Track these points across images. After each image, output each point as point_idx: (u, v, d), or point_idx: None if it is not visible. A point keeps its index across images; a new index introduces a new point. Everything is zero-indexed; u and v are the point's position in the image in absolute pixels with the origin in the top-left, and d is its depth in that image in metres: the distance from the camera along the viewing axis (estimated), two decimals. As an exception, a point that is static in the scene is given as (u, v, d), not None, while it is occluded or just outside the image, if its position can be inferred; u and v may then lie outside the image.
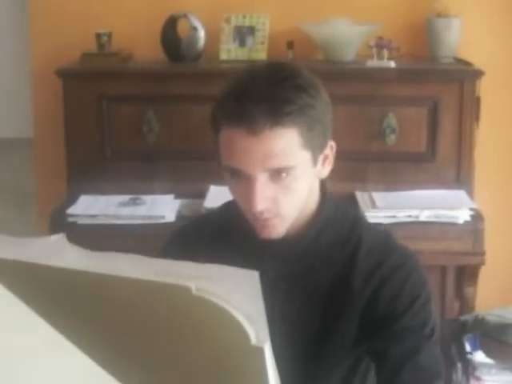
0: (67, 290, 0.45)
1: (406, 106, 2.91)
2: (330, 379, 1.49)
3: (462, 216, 2.69)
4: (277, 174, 1.35)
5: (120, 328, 0.47)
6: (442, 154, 2.91)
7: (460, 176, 2.91)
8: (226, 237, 1.51)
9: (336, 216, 1.51)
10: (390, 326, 1.41)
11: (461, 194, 2.84)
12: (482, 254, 2.70)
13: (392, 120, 2.89)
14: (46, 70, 3.14)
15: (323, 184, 1.51)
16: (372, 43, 2.98)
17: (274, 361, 0.53)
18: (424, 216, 2.68)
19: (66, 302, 0.47)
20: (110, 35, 3.12)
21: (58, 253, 0.53)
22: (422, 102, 2.91)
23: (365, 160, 2.93)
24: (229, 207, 1.56)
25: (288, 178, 1.36)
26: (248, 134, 1.32)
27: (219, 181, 2.78)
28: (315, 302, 1.47)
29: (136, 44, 3.22)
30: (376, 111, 2.91)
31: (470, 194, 2.88)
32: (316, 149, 1.40)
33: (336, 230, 1.49)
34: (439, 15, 3.09)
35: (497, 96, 3.15)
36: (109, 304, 0.48)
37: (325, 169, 1.46)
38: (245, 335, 0.51)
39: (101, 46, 3.11)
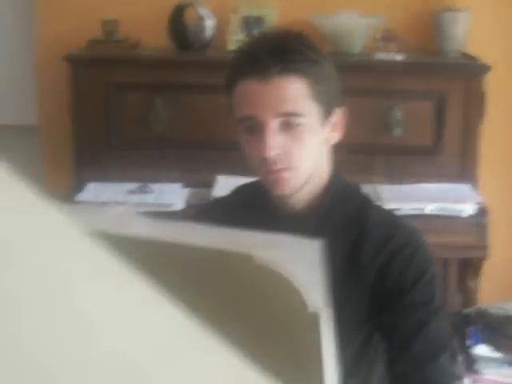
0: (135, 258, 0.46)
1: (413, 99, 2.92)
2: (343, 354, 1.52)
3: (467, 209, 2.70)
4: (287, 121, 1.44)
5: (182, 295, 0.48)
6: (448, 148, 2.92)
7: (465, 170, 2.92)
8: (238, 215, 1.55)
9: (346, 192, 1.58)
10: (399, 300, 1.47)
11: (466, 188, 2.85)
12: (486, 247, 2.72)
13: (398, 113, 2.90)
14: (51, 57, 3.14)
15: (332, 158, 1.57)
16: (379, 36, 2.99)
17: (331, 329, 0.55)
18: (429, 209, 2.70)
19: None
20: (116, 22, 3.12)
21: (124, 223, 0.55)
22: (429, 95, 2.91)
23: (370, 153, 2.94)
24: (240, 189, 1.64)
25: (298, 127, 1.45)
26: (259, 82, 1.43)
27: (226, 170, 2.82)
28: (326, 277, 1.50)
29: (143, 32, 3.22)
30: (382, 104, 2.91)
31: (475, 187, 2.90)
32: (325, 105, 1.48)
33: (346, 205, 1.56)
34: (447, 8, 3.10)
35: (503, 90, 3.16)
36: (167, 270, 0.49)
37: (334, 135, 1.55)
38: (303, 302, 0.53)
39: (107, 33, 3.11)
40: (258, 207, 1.57)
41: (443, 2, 3.13)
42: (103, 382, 0.37)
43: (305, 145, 1.47)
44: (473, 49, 3.10)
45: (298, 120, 1.45)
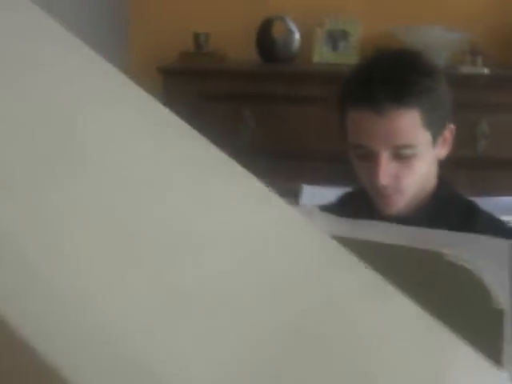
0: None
1: (499, 112, 2.94)
2: None
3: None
4: (399, 152, 1.48)
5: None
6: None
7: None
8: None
9: (451, 199, 1.60)
10: None
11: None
12: None
13: (484, 126, 2.93)
14: (144, 68, 3.26)
15: (440, 169, 1.61)
16: (467, 49, 3.02)
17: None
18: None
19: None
20: (207, 35, 3.22)
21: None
22: (513, 109, 2.94)
23: (455, 166, 2.95)
24: (346, 195, 1.68)
25: (409, 156, 1.49)
26: (374, 115, 1.47)
27: (312, 180, 2.88)
28: None
29: (231, 45, 3.31)
30: (468, 117, 2.94)
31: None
32: (436, 130, 1.52)
33: (451, 212, 1.58)
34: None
35: None
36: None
37: (443, 150, 1.58)
38: (490, 299, 0.58)
39: (198, 45, 3.22)
40: (363, 213, 1.61)
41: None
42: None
43: (415, 171, 1.51)
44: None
45: (410, 151, 1.49)
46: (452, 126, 1.58)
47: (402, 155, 1.49)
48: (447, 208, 1.58)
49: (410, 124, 1.47)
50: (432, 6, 3.24)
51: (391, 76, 1.47)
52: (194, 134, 0.55)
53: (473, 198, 2.82)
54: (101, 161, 0.46)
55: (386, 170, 1.48)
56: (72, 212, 0.41)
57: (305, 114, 3.01)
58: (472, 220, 1.57)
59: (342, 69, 3.17)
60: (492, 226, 1.57)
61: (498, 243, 0.61)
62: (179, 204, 0.47)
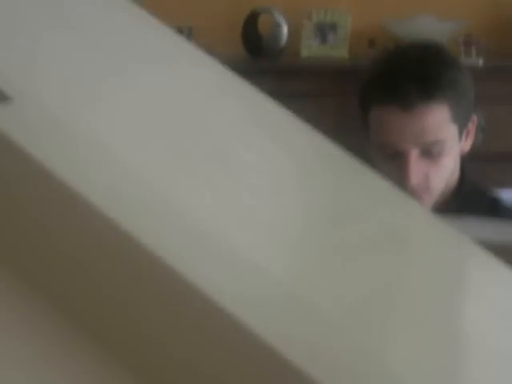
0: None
1: (495, 104, 2.87)
2: None
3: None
4: (428, 148, 1.41)
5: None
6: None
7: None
8: None
9: (475, 194, 1.55)
10: None
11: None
12: None
13: (480, 119, 2.84)
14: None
15: (463, 162, 1.54)
16: (460, 40, 2.95)
17: None
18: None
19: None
20: (191, 29, 3.13)
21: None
22: (510, 100, 2.87)
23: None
24: None
25: (438, 152, 1.41)
26: (401, 111, 1.39)
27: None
28: None
29: (217, 39, 3.21)
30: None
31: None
32: (462, 123, 1.45)
33: (476, 207, 1.50)
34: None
35: None
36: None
37: (467, 143, 1.51)
38: None
39: (182, 40, 3.12)
40: None
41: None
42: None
43: (444, 167, 1.45)
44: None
45: (439, 147, 1.42)
46: (475, 118, 1.53)
47: (430, 152, 1.42)
48: (471, 204, 1.52)
49: (438, 119, 1.41)
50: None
51: (417, 70, 1.41)
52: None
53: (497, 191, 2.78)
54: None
55: (416, 168, 1.41)
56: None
57: (294, 108, 2.91)
58: (497, 216, 1.51)
59: (332, 62, 3.11)
60: None
61: None
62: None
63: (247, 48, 3.12)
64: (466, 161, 1.54)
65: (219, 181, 0.49)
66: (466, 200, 1.51)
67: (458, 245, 0.55)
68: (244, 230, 0.46)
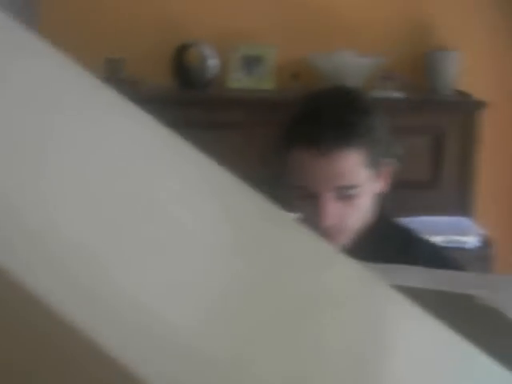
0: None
1: (412, 135, 2.99)
2: None
3: (471, 242, 2.77)
4: (343, 192, 1.47)
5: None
6: (446, 182, 3.00)
7: (462, 203, 2.99)
8: None
9: (390, 232, 1.60)
10: None
11: (465, 221, 2.92)
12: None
13: (399, 149, 2.96)
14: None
15: (377, 200, 1.59)
16: (380, 74, 3.07)
17: None
18: (437, 241, 2.75)
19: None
20: (121, 61, 3.18)
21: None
22: (427, 131, 3.00)
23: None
24: None
25: (353, 195, 1.47)
26: (319, 156, 1.44)
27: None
28: None
29: (147, 70, 3.28)
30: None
31: (474, 220, 2.97)
32: (377, 166, 1.51)
33: (390, 245, 1.56)
34: (439, 48, 3.19)
35: (496, 125, 3.25)
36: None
37: (382, 184, 1.57)
38: None
39: (112, 71, 3.17)
40: None
41: (436, 42, 3.23)
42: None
43: (359, 209, 1.50)
44: (464, 86, 3.20)
45: (353, 190, 1.47)
46: (391, 161, 1.58)
47: (346, 195, 1.48)
48: (387, 239, 1.57)
49: (354, 164, 1.46)
50: (345, 33, 3.29)
51: (335, 117, 1.46)
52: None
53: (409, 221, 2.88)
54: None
55: (332, 211, 1.46)
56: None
57: (221, 139, 3.00)
58: (412, 249, 1.56)
59: (258, 94, 3.21)
60: (432, 255, 1.57)
61: None
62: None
63: (177, 79, 3.20)
64: (382, 198, 1.59)
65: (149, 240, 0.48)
66: (381, 236, 1.57)
67: (380, 297, 0.56)
68: (164, 291, 0.45)
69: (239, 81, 3.26)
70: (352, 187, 1.47)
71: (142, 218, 0.49)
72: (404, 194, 3.00)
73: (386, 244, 1.55)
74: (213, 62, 3.19)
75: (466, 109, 3.04)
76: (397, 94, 3.05)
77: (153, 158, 0.55)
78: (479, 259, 2.78)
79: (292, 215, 1.46)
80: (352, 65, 3.15)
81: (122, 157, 0.53)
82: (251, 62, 3.27)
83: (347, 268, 0.58)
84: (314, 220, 1.46)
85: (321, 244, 0.62)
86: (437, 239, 2.76)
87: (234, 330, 0.45)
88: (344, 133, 1.45)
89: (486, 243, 2.82)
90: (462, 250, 2.78)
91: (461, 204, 3.00)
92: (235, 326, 0.46)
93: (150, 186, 0.52)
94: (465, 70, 3.21)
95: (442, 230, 2.82)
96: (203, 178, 0.56)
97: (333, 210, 1.46)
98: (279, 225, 0.59)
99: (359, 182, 1.47)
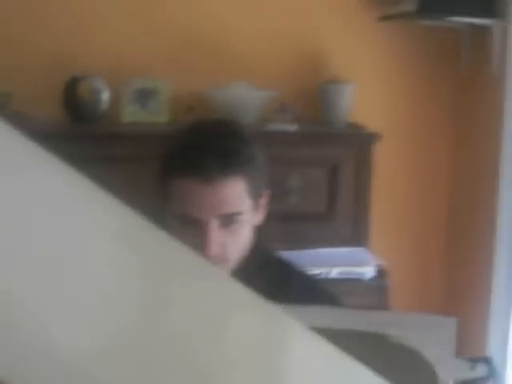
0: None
1: (308, 167, 3.02)
2: None
3: (368, 272, 2.80)
4: (227, 220, 1.49)
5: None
6: (341, 213, 3.03)
7: (358, 234, 3.03)
8: None
9: (266, 261, 1.61)
10: None
11: (361, 251, 2.96)
12: (388, 308, 2.82)
13: (294, 181, 2.99)
14: None
15: (255, 231, 1.62)
16: (275, 107, 3.09)
17: None
18: (335, 273, 2.78)
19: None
20: (9, 95, 3.10)
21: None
22: (322, 164, 3.03)
23: (267, 220, 3.00)
24: None
25: (236, 223, 1.50)
26: (203, 183, 1.46)
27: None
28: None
29: (37, 104, 3.20)
30: (278, 173, 3.00)
31: (369, 251, 3.01)
32: (257, 196, 1.55)
33: (267, 274, 1.58)
34: (332, 81, 3.24)
35: (389, 157, 3.32)
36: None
37: (261, 215, 1.61)
38: (434, 374, 0.59)
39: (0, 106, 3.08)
40: None
41: (328, 75, 3.28)
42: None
43: (240, 238, 1.52)
44: (357, 119, 3.26)
45: (237, 218, 1.49)
46: (268, 192, 1.61)
47: (228, 223, 1.49)
48: (263, 271, 1.59)
49: (237, 192, 1.49)
50: (240, 66, 3.30)
51: (218, 145, 1.48)
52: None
53: (285, 252, 2.89)
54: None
55: (215, 239, 1.47)
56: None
57: (116, 173, 2.94)
58: (288, 282, 1.59)
59: (152, 128, 3.17)
60: (307, 287, 1.60)
61: (441, 320, 0.62)
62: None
63: (69, 113, 3.13)
64: (259, 230, 1.62)
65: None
66: (258, 267, 1.59)
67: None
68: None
69: (133, 114, 3.22)
70: (236, 214, 1.49)
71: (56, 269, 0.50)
72: (300, 226, 3.03)
73: (262, 276, 1.57)
74: (105, 96, 3.14)
75: (359, 141, 3.09)
76: (291, 127, 3.07)
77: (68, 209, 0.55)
78: (376, 289, 2.82)
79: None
80: (246, 98, 3.16)
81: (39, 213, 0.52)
82: (145, 96, 3.23)
83: (254, 312, 0.59)
84: (197, 249, 1.45)
85: (231, 285, 0.62)
86: (334, 271, 2.79)
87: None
88: (228, 161, 1.47)
89: (382, 273, 2.87)
90: (359, 280, 2.81)
91: (356, 235, 3.04)
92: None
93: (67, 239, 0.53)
94: (357, 103, 3.27)
95: (338, 261, 2.85)
96: (118, 227, 0.57)
97: (217, 239, 1.47)
98: (189, 271, 0.62)
99: (243, 209, 1.50)
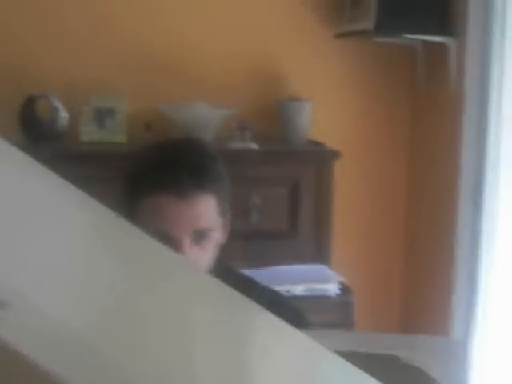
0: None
1: (269, 185, 3.03)
2: None
3: (332, 289, 2.81)
4: (199, 236, 1.51)
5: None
6: (303, 231, 3.04)
7: (320, 251, 3.05)
8: None
9: (228, 276, 1.60)
10: None
11: (322, 269, 2.96)
12: (352, 324, 2.83)
13: (255, 199, 2.99)
14: None
15: (218, 249, 1.64)
16: (234, 125, 3.09)
17: None
18: (299, 290, 2.78)
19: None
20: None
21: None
22: (283, 181, 3.04)
23: (229, 238, 2.99)
24: None
25: (207, 240, 1.52)
26: (177, 199, 1.48)
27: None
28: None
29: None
30: (239, 191, 2.98)
31: (330, 268, 3.02)
32: (224, 215, 1.58)
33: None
34: (290, 98, 3.26)
35: (348, 174, 3.35)
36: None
37: (224, 234, 1.63)
38: None
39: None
40: None
41: (287, 93, 3.30)
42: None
43: (210, 254, 1.55)
44: (316, 136, 3.27)
45: (209, 234, 1.52)
46: (231, 210, 1.64)
47: (200, 240, 1.51)
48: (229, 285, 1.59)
49: (209, 209, 1.51)
50: (197, 84, 3.30)
51: (189, 162, 1.51)
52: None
53: (248, 271, 2.89)
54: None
55: (188, 254, 1.49)
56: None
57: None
58: (253, 297, 1.59)
59: (110, 147, 3.15)
60: (273, 303, 1.59)
61: (451, 343, 0.66)
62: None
63: (25, 133, 3.09)
64: (222, 248, 1.63)
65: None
66: (224, 283, 1.60)
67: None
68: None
69: (91, 134, 3.19)
70: (208, 230, 1.52)
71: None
72: (262, 244, 3.03)
73: None
74: (64, 115, 3.11)
75: (319, 158, 3.11)
76: (251, 145, 3.07)
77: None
78: (340, 306, 2.83)
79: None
80: (204, 116, 3.16)
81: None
82: (103, 114, 3.21)
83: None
84: None
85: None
86: (298, 288, 2.79)
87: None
88: (200, 176, 1.50)
89: (345, 290, 2.88)
90: (323, 297, 2.82)
91: (318, 252, 3.05)
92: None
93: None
94: (315, 120, 3.29)
95: (302, 278, 2.85)
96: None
97: (190, 254, 1.49)
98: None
99: (214, 226, 1.53)
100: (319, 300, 2.81)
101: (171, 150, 1.56)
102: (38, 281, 0.55)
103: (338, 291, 2.85)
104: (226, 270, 1.62)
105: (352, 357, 0.58)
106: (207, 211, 1.51)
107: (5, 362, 0.47)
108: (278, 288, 2.74)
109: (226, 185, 1.58)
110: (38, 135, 3.09)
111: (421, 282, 3.44)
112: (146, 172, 1.53)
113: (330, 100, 3.42)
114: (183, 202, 1.48)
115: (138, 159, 1.60)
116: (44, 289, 0.54)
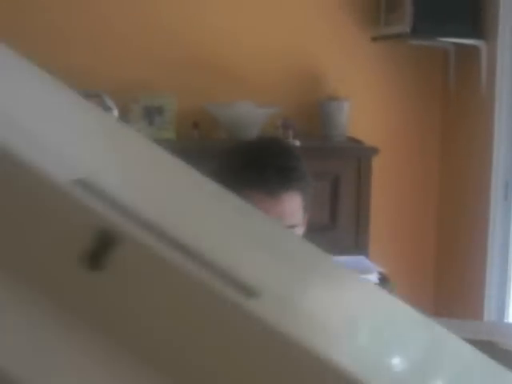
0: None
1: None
2: None
3: (373, 279, 2.95)
4: None
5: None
6: (343, 224, 3.19)
7: (358, 243, 3.19)
8: None
9: None
10: None
11: (362, 260, 3.10)
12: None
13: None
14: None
15: None
16: (279, 123, 3.24)
17: None
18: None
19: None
20: None
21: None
22: (324, 177, 3.18)
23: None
24: None
25: None
26: (266, 197, 1.57)
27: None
28: None
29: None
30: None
31: (370, 259, 3.16)
32: (306, 211, 1.68)
33: None
34: (330, 97, 3.41)
35: (385, 170, 3.49)
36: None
37: (304, 229, 1.73)
38: None
39: None
40: None
41: (328, 92, 3.45)
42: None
43: None
44: (354, 134, 3.42)
45: (295, 230, 1.62)
46: (310, 207, 1.73)
47: None
48: None
49: (296, 206, 1.61)
50: (241, 83, 3.45)
51: (278, 162, 1.60)
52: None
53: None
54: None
55: None
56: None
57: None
58: None
59: (160, 143, 3.28)
60: None
61: None
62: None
63: (79, 130, 3.25)
64: None
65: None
66: None
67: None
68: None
69: (141, 131, 3.34)
70: (294, 226, 1.62)
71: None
72: (304, 235, 3.17)
73: None
74: (114, 113, 3.26)
75: (359, 154, 3.25)
76: (294, 142, 3.22)
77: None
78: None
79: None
80: (248, 115, 3.30)
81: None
82: (152, 112, 3.36)
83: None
84: None
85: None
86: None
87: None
88: (287, 176, 1.59)
89: (385, 280, 3.01)
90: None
91: (357, 244, 3.19)
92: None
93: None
94: (353, 118, 3.44)
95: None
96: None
97: None
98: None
99: (299, 222, 1.63)
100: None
101: (260, 151, 1.65)
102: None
103: (377, 281, 2.98)
104: None
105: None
106: (294, 208, 1.60)
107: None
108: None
109: (309, 183, 1.67)
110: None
111: (453, 271, 3.58)
112: (237, 171, 1.61)
113: (367, 100, 3.57)
114: (273, 199, 1.57)
115: (228, 159, 1.69)
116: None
